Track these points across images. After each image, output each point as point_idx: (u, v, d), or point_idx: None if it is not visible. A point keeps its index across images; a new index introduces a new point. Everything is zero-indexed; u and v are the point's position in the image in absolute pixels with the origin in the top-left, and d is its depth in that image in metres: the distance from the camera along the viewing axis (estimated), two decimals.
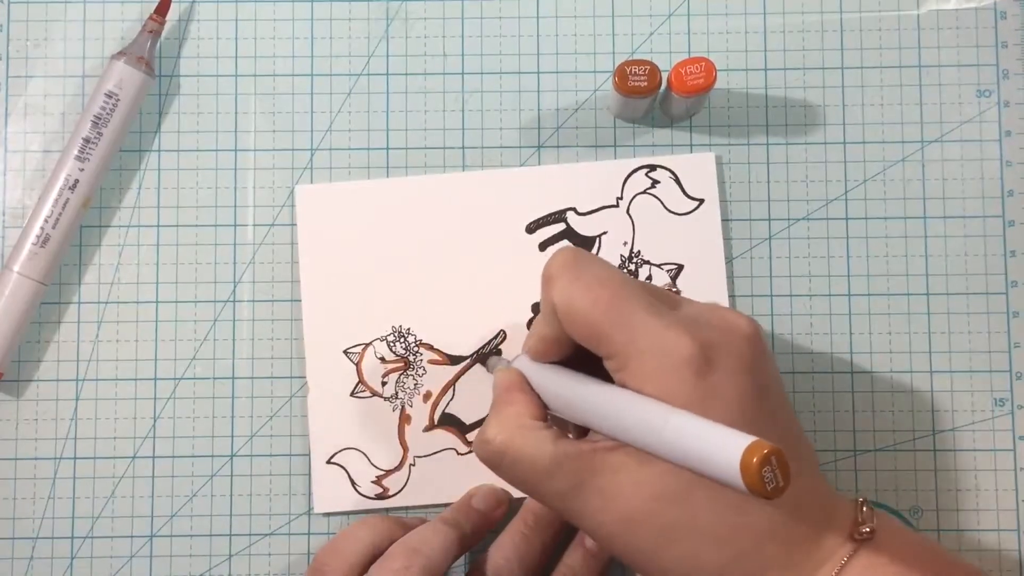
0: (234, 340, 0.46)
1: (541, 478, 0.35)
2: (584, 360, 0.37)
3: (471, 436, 0.45)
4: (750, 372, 0.34)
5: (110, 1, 0.47)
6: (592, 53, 0.47)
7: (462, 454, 0.45)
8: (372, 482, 0.45)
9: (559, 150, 0.46)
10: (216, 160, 0.46)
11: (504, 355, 0.45)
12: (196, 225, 0.46)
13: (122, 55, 0.45)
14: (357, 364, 0.45)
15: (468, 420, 0.45)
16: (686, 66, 0.42)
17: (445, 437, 0.45)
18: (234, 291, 0.46)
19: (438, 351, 0.45)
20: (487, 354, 0.45)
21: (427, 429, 0.45)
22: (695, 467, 0.31)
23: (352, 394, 0.45)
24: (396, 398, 0.45)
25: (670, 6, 0.47)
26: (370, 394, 0.45)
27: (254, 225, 0.46)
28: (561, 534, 0.43)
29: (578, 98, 0.47)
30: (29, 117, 0.47)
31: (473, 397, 0.45)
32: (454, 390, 0.45)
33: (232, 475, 0.45)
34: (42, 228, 0.44)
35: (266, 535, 0.45)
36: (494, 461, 0.36)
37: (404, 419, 0.45)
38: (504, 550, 0.41)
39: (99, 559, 0.45)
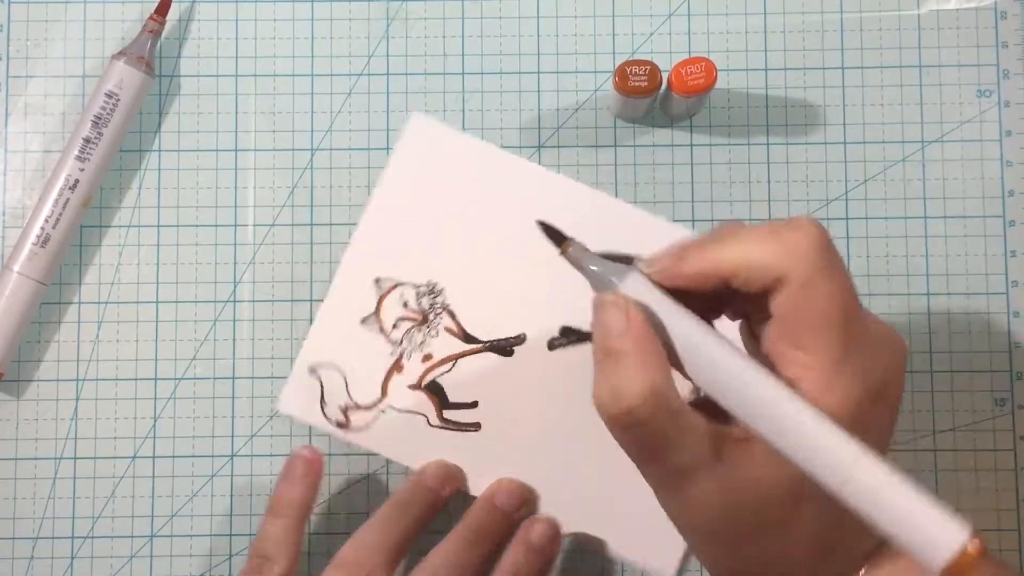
0: (234, 340, 0.46)
1: (686, 446, 0.30)
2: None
3: (447, 414, 0.45)
4: (899, 401, 0.32)
5: (110, 1, 0.47)
6: (592, 53, 0.47)
7: (432, 425, 0.45)
8: (340, 408, 0.45)
9: (559, 150, 0.46)
10: (216, 160, 0.46)
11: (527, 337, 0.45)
12: (196, 225, 0.46)
13: (122, 55, 0.45)
14: (381, 297, 0.45)
15: (452, 397, 0.45)
16: (686, 66, 0.42)
17: (424, 403, 0.45)
18: (234, 291, 0.46)
19: (458, 323, 0.45)
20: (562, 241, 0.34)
21: (412, 387, 0.45)
22: (875, 523, 0.28)
23: (362, 322, 0.45)
24: (399, 345, 0.45)
25: (670, 6, 0.47)
26: (378, 330, 0.45)
27: (254, 225, 0.46)
28: (502, 547, 0.42)
29: (578, 98, 0.47)
30: (29, 117, 0.47)
31: (469, 379, 0.45)
32: (454, 365, 0.45)
33: (232, 475, 0.45)
34: (42, 228, 0.44)
35: None
36: (643, 417, 0.30)
37: (396, 367, 0.45)
38: (444, 557, 0.41)
39: (99, 559, 0.45)
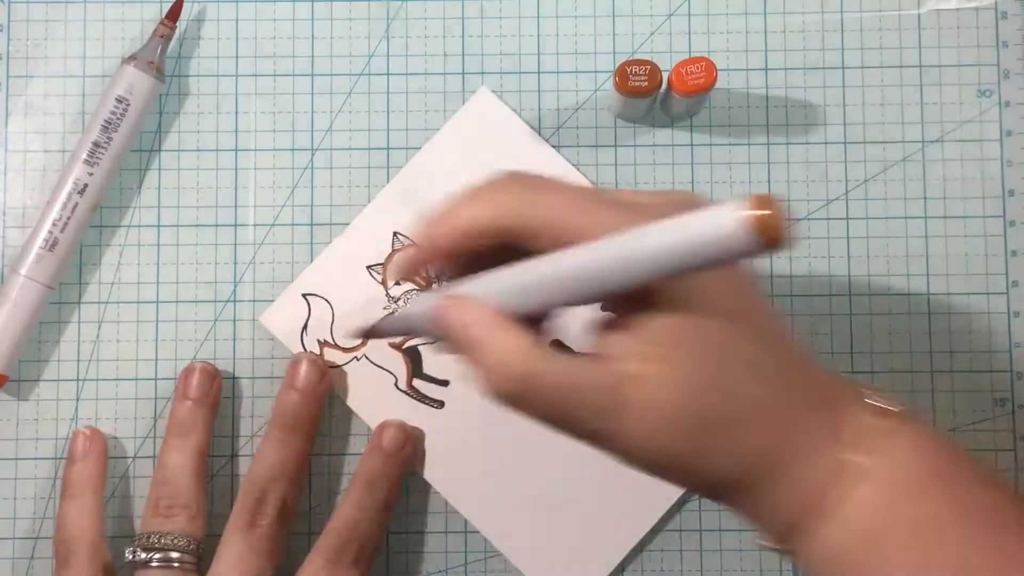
0: (234, 340, 0.46)
1: (578, 400, 0.31)
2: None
3: (417, 383, 0.45)
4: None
5: (110, 1, 0.47)
6: (592, 53, 0.47)
7: (399, 388, 0.45)
8: (318, 341, 0.45)
9: (559, 150, 0.46)
10: (217, 160, 0.46)
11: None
12: (196, 225, 0.46)
13: (132, 59, 0.45)
14: (395, 251, 0.45)
15: (427, 369, 0.45)
16: (686, 66, 0.42)
17: (399, 364, 0.45)
18: (234, 291, 0.46)
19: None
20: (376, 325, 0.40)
21: (392, 345, 0.45)
22: (688, 262, 0.29)
23: (369, 267, 0.45)
24: (395, 302, 0.45)
25: (670, 6, 0.47)
26: (381, 281, 0.45)
27: (254, 225, 0.46)
28: (397, 491, 0.43)
29: (578, 98, 0.47)
30: (29, 117, 0.47)
31: (447, 360, 0.45)
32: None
33: (232, 475, 0.45)
34: (50, 232, 0.44)
35: None
36: (518, 391, 0.31)
37: None
38: (349, 513, 0.42)
39: None
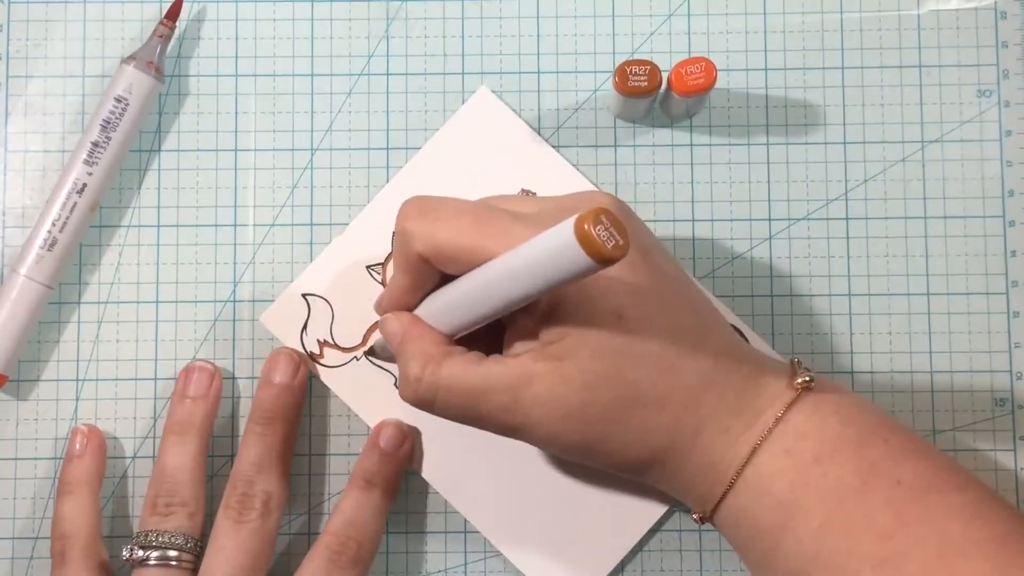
0: (234, 340, 0.46)
1: (479, 401, 0.35)
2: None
3: None
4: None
5: (110, 1, 0.47)
6: (592, 53, 0.47)
7: (397, 387, 0.45)
8: (318, 340, 0.45)
9: (559, 150, 0.46)
10: (216, 160, 0.46)
11: None
12: (196, 225, 0.46)
13: (132, 59, 0.45)
14: (393, 252, 0.45)
15: None
16: (686, 66, 0.42)
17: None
18: (234, 291, 0.46)
19: None
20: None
21: None
22: (551, 277, 0.31)
23: (369, 267, 0.45)
24: None
25: (670, 6, 0.47)
26: (381, 279, 0.45)
27: (254, 225, 0.46)
28: (396, 490, 0.44)
29: (578, 98, 0.47)
30: (29, 117, 0.47)
31: None
32: None
33: None
34: (49, 231, 0.44)
35: None
36: (429, 395, 0.36)
37: None
38: (346, 512, 0.42)
39: None
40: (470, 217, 0.35)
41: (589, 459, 0.36)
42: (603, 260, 0.29)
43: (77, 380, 0.46)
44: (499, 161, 0.46)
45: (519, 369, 0.35)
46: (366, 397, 0.45)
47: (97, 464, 0.44)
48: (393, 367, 0.45)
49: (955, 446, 0.45)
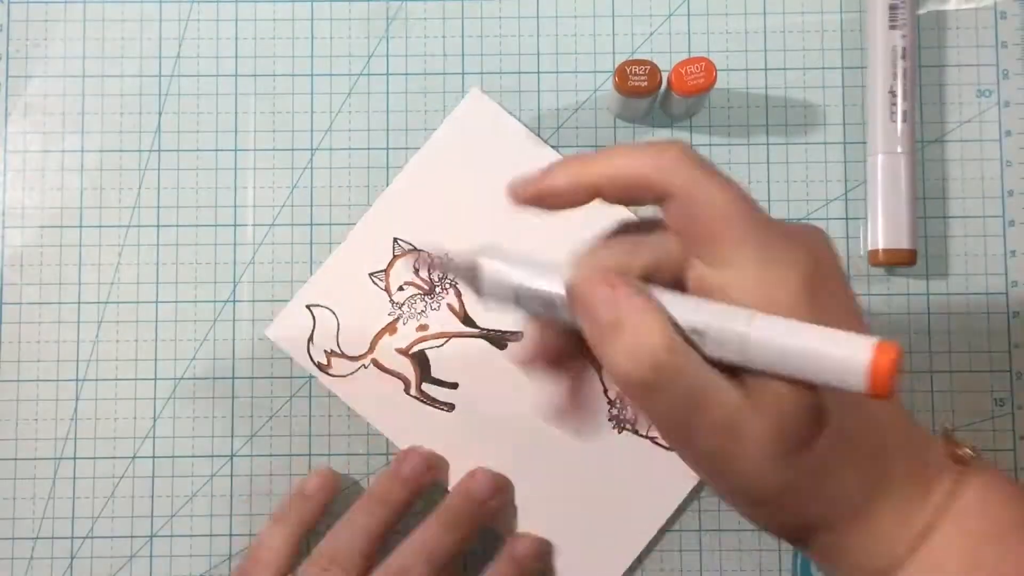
0: (234, 340, 0.46)
1: (705, 408, 0.29)
2: None
3: (426, 387, 0.45)
4: (844, 281, 0.32)
5: (110, 1, 0.47)
6: (592, 53, 0.47)
7: (408, 393, 0.45)
8: (325, 351, 0.45)
9: (559, 150, 0.46)
10: (216, 160, 0.46)
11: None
12: (196, 225, 0.46)
13: None
14: (395, 257, 0.45)
15: (435, 373, 0.45)
16: (686, 66, 0.42)
17: (407, 369, 0.45)
18: (234, 291, 0.46)
19: (461, 303, 0.45)
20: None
21: (399, 351, 0.45)
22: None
23: (371, 275, 0.45)
24: (399, 307, 0.45)
25: (670, 6, 0.47)
26: (384, 286, 0.45)
27: (254, 225, 0.46)
28: (474, 537, 0.43)
29: (578, 98, 0.47)
30: (29, 117, 0.47)
31: (456, 360, 0.45)
32: (446, 342, 0.45)
33: (232, 475, 0.45)
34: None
35: None
36: (664, 380, 0.29)
37: (390, 328, 0.45)
38: (418, 544, 0.41)
39: (99, 559, 0.45)
40: (735, 197, 0.30)
41: (768, 510, 0.33)
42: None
43: (77, 380, 0.46)
44: (497, 161, 0.46)
45: (737, 391, 0.30)
46: (377, 404, 0.45)
47: (319, 511, 0.44)
48: (402, 371, 0.45)
49: None
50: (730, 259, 0.30)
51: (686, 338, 0.29)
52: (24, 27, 0.47)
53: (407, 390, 0.45)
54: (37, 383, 0.46)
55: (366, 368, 0.45)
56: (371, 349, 0.45)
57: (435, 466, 0.44)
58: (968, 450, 0.33)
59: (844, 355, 0.27)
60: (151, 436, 0.45)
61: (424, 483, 0.43)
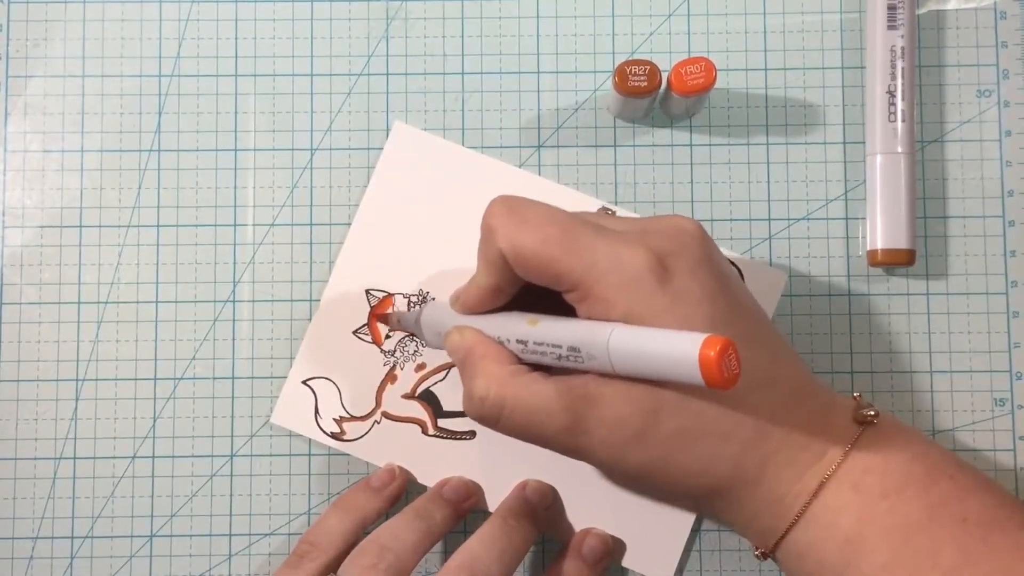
0: (234, 340, 0.46)
1: (543, 420, 0.35)
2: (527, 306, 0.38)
3: (442, 423, 0.45)
4: (707, 268, 0.35)
5: (110, 1, 0.47)
6: (592, 53, 0.47)
7: (427, 434, 0.45)
8: (334, 419, 0.45)
9: (559, 150, 0.46)
10: (216, 160, 0.46)
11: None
12: (196, 225, 0.46)
13: None
14: (372, 309, 0.45)
15: (445, 406, 0.45)
16: (686, 66, 0.42)
17: (418, 411, 0.45)
18: (234, 291, 0.46)
19: None
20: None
21: (406, 396, 0.45)
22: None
23: (355, 332, 0.45)
24: (392, 355, 0.45)
25: (670, 6, 0.47)
26: (371, 340, 0.45)
27: (254, 225, 0.46)
28: (539, 532, 0.43)
29: (578, 98, 0.47)
30: (29, 117, 0.47)
31: (461, 391, 0.45)
32: (448, 373, 0.45)
33: (232, 475, 0.45)
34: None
35: (266, 535, 0.45)
36: (493, 414, 0.36)
37: (390, 377, 0.45)
38: (483, 543, 0.41)
39: (99, 559, 0.45)
40: (557, 228, 0.35)
41: (650, 485, 0.37)
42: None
43: (77, 380, 0.46)
44: (440, 184, 0.46)
45: (584, 391, 0.34)
46: (399, 453, 0.45)
47: (383, 506, 0.43)
48: (415, 415, 0.45)
49: (955, 446, 0.45)
50: (586, 288, 0.35)
51: (531, 365, 0.36)
52: (24, 27, 0.47)
53: (425, 431, 0.45)
54: (37, 383, 0.46)
55: (379, 423, 0.45)
56: (378, 403, 0.45)
57: (474, 493, 0.44)
58: (871, 412, 0.36)
59: (679, 354, 0.30)
60: (151, 436, 0.46)
61: (465, 508, 0.43)
